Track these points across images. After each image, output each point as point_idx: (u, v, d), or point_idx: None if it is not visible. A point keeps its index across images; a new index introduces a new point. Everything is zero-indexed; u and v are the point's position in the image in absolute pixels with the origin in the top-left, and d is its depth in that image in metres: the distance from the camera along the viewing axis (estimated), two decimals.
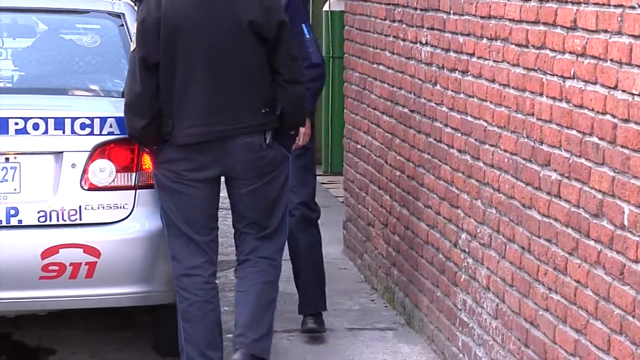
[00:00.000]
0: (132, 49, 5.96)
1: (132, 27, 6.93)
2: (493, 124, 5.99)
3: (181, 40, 5.86)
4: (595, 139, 4.75)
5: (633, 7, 4.37)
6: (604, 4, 4.63)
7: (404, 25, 7.71)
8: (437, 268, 7.01)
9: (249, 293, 6.24)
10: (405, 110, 7.66)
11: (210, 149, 5.93)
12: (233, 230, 6.80)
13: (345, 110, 9.60)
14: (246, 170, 6.06)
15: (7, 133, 6.19)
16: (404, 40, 7.72)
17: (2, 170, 6.23)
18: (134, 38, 5.95)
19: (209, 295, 6.00)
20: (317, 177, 12.20)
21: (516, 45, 5.66)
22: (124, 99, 6.10)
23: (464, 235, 6.50)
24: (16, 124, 6.20)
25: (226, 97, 5.97)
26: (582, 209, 4.91)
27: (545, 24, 5.28)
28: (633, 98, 4.38)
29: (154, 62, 5.81)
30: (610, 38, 4.60)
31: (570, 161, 5.05)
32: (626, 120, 4.43)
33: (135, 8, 7.02)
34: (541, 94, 5.34)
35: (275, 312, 6.55)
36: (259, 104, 6.04)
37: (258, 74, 6.05)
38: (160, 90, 5.84)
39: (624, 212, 4.49)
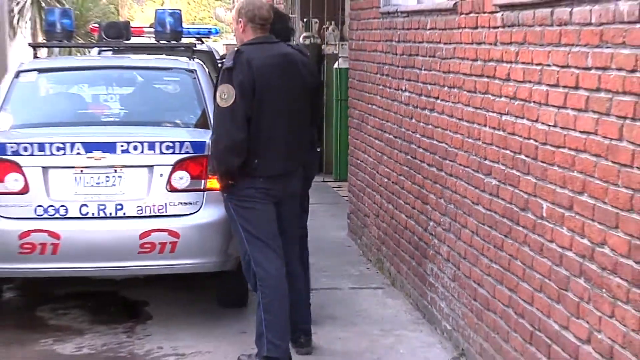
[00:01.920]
0: (225, 104, 5.73)
1: (202, 80, 7.47)
2: (452, 145, 6.32)
3: (269, 98, 5.81)
4: (523, 156, 5.10)
5: (548, 65, 4.72)
6: (528, 63, 4.99)
7: (389, 78, 8.02)
8: (412, 246, 7.31)
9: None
10: (391, 136, 7.99)
11: (281, 179, 5.93)
12: None
13: (349, 136, 9.85)
14: (296, 194, 6.19)
15: (115, 152, 6.58)
16: (389, 88, 8.03)
17: (112, 178, 6.60)
18: (225, 96, 5.73)
19: (285, 291, 5.93)
20: (330, 182, 12.72)
21: (467, 91, 6.01)
22: (215, 144, 5.88)
23: (431, 223, 6.80)
24: (122, 146, 6.60)
25: (295, 141, 6.01)
26: (514, 205, 5.24)
27: (487, 76, 5.64)
28: (549, 128, 4.73)
29: (249, 115, 5.75)
30: (533, 86, 4.94)
31: (505, 171, 5.38)
32: (544, 144, 4.80)
33: (220, 66, 6.63)
34: (485, 125, 5.70)
35: None
36: (307, 143, 6.25)
37: (309, 122, 6.21)
38: (250, 136, 5.77)
39: (542, 207, 4.83)
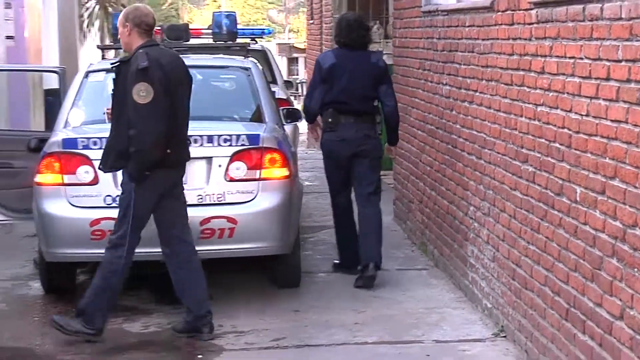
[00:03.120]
0: (144, 101, 5.83)
1: (256, 77, 7.51)
2: (490, 135, 6.31)
3: (179, 94, 6.07)
4: (557, 145, 5.09)
5: (581, 58, 4.71)
6: (561, 57, 4.98)
7: (431, 72, 8.03)
8: (454, 229, 7.33)
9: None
10: (433, 127, 8.00)
11: (180, 168, 6.18)
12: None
13: None
14: (180, 183, 6.28)
15: None
16: (431, 82, 8.04)
17: None
18: (144, 93, 5.83)
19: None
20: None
21: (504, 84, 6.00)
22: (141, 140, 5.86)
23: (472, 208, 6.80)
24: None
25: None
26: (549, 190, 5.24)
27: (523, 70, 5.63)
28: (582, 118, 4.72)
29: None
30: (566, 79, 4.92)
31: (541, 159, 5.36)
32: (577, 132, 4.80)
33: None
34: (521, 115, 5.69)
35: None
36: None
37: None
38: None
39: (576, 191, 4.83)
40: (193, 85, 7.55)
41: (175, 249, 6.25)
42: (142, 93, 5.86)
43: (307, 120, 7.88)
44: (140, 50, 5.98)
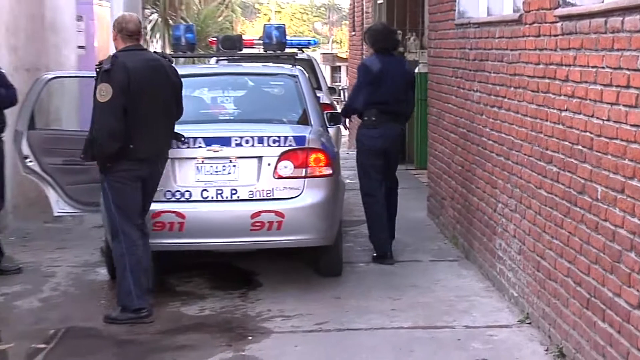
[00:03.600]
0: (103, 100, 5.92)
1: (302, 83, 7.53)
2: (517, 138, 6.28)
3: (142, 94, 6.05)
4: (580, 147, 5.07)
5: (603, 67, 4.65)
6: (584, 66, 4.94)
7: (463, 80, 7.98)
8: (483, 224, 7.29)
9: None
10: (464, 130, 7.95)
11: (149, 161, 6.19)
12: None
13: (428, 131, 9.88)
14: (159, 174, 6.40)
15: (230, 145, 6.64)
16: (463, 89, 7.99)
17: (228, 167, 6.65)
18: (104, 93, 5.91)
19: (141, 254, 6.17)
20: (412, 170, 12.78)
21: (531, 91, 5.97)
22: (98, 133, 5.98)
23: (500, 205, 6.76)
24: (236, 140, 6.66)
25: (164, 129, 6.33)
26: (571, 189, 5.21)
27: (549, 78, 5.60)
28: (603, 122, 4.69)
29: (126, 108, 5.99)
30: (589, 86, 4.89)
31: (564, 160, 5.33)
32: (599, 135, 4.76)
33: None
34: (546, 120, 5.65)
35: None
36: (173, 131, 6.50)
37: (175, 114, 6.47)
38: (127, 125, 6.01)
39: (597, 190, 4.80)
40: (244, 92, 7.78)
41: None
42: (102, 92, 5.98)
43: (344, 115, 8.16)
44: (110, 54, 6.18)
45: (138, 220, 6.23)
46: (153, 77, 6.16)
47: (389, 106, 7.69)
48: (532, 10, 5.97)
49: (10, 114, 7.54)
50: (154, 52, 6.56)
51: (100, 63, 6.15)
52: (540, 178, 5.82)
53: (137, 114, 6.07)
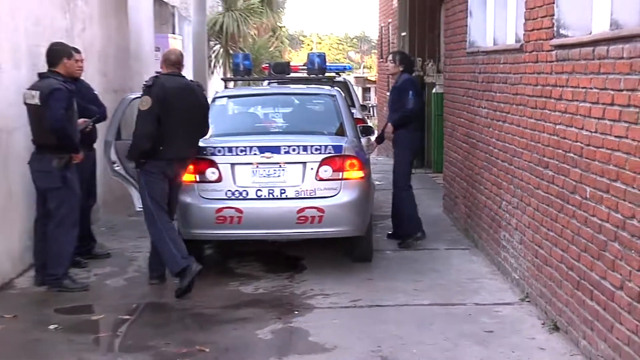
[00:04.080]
0: (143, 109, 6.18)
1: (340, 102, 7.48)
2: (519, 147, 6.23)
3: (173, 108, 6.28)
4: (572, 154, 5.02)
5: (591, 88, 4.64)
6: (575, 87, 4.89)
7: (473, 99, 7.90)
8: (490, 218, 7.22)
9: None
10: (474, 140, 7.88)
11: (175, 163, 6.37)
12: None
13: (444, 141, 9.75)
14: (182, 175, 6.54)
15: (280, 153, 6.62)
16: (472, 106, 7.91)
17: (278, 171, 6.63)
18: (144, 103, 6.17)
19: (163, 232, 6.29)
20: (430, 174, 12.67)
21: (530, 107, 5.91)
22: (135, 134, 6.25)
23: (504, 203, 6.70)
24: (284, 148, 6.65)
25: (189, 138, 6.47)
26: (565, 189, 5.15)
27: (545, 97, 5.54)
28: (591, 134, 4.65)
29: (159, 117, 6.23)
30: (579, 104, 4.85)
31: (558, 165, 5.28)
32: (588, 145, 4.71)
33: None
34: (543, 132, 5.58)
35: None
36: (198, 140, 6.67)
37: (203, 126, 6.67)
38: (159, 131, 6.22)
39: (586, 190, 4.77)
40: (291, 108, 7.78)
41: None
42: (143, 103, 6.24)
43: (405, 122, 7.91)
44: (153, 75, 6.52)
45: (166, 208, 6.37)
46: (184, 97, 6.34)
47: (420, 114, 8.17)
48: (531, 41, 5.91)
49: (100, 127, 7.62)
50: (191, 80, 6.80)
51: (147, 81, 6.39)
52: (538, 180, 5.77)
53: (168, 123, 6.23)
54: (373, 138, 9.10)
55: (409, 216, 7.88)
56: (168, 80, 6.35)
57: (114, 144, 7.46)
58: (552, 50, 5.44)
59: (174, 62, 6.49)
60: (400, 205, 7.92)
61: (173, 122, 6.27)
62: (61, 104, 6.11)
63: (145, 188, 6.34)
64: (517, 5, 6.61)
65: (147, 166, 6.31)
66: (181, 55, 6.70)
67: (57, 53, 6.43)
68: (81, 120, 6.61)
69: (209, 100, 7.76)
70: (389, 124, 7.97)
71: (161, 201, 6.34)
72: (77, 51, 7.17)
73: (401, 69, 7.98)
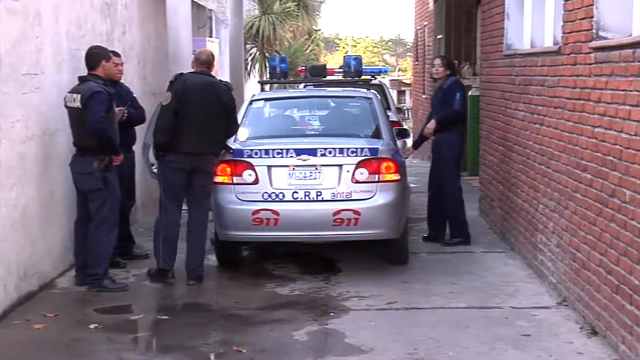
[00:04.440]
0: (165, 103, 6.52)
1: (376, 105, 7.46)
2: (556, 150, 6.20)
3: (191, 103, 6.53)
4: (611, 157, 4.98)
5: (630, 91, 4.55)
6: (615, 89, 4.86)
7: (509, 101, 7.86)
8: (526, 222, 7.15)
9: None
10: (510, 143, 7.83)
11: (191, 156, 6.56)
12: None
13: (480, 144, 9.76)
14: (202, 170, 6.65)
15: (316, 155, 6.63)
16: (509, 108, 7.88)
17: (314, 173, 6.63)
18: (166, 97, 6.52)
19: (173, 228, 6.67)
20: (465, 177, 12.25)
21: (568, 110, 5.87)
22: (155, 127, 6.59)
23: (541, 206, 6.65)
24: (320, 151, 6.65)
25: (206, 133, 6.59)
26: (603, 193, 5.12)
27: (583, 99, 5.51)
28: (631, 137, 4.62)
29: (177, 112, 6.51)
30: (618, 106, 4.82)
31: (597, 168, 5.24)
32: (627, 148, 4.69)
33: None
34: (582, 135, 5.56)
35: None
36: (217, 136, 6.74)
37: (222, 123, 6.71)
38: (177, 125, 6.51)
39: (626, 194, 4.72)
40: (327, 111, 7.84)
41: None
42: (165, 98, 6.57)
43: (457, 122, 8.01)
44: (178, 73, 6.85)
45: (179, 202, 6.64)
46: (203, 93, 6.52)
47: (464, 117, 8.15)
48: (570, 43, 5.87)
49: (139, 130, 7.68)
50: (220, 80, 6.98)
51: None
52: (576, 183, 5.72)
53: (185, 117, 6.44)
54: (409, 141, 9.06)
55: (463, 220, 7.95)
56: (191, 78, 6.58)
57: (152, 146, 7.53)
58: (591, 53, 5.39)
59: (203, 61, 6.69)
60: (449, 208, 7.97)
61: (190, 117, 6.44)
62: (101, 107, 6.20)
63: (161, 180, 6.59)
64: (555, 7, 6.57)
65: (165, 158, 6.52)
66: (212, 55, 6.85)
67: (96, 56, 6.52)
68: (117, 109, 6.68)
69: (246, 103, 7.84)
70: (432, 121, 7.98)
71: (175, 195, 6.56)
72: (117, 55, 7.25)
73: (448, 72, 8.06)
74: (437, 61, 8.19)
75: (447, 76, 8.04)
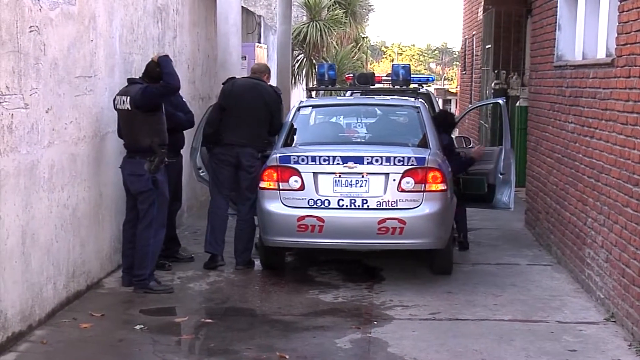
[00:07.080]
0: (217, 102, 7.49)
1: (423, 114, 7.38)
2: (607, 163, 6.14)
3: (236, 102, 7.31)
4: None
5: None
6: None
7: (559, 113, 7.81)
8: (574, 235, 7.09)
9: None
10: (559, 155, 7.78)
11: (233, 148, 7.30)
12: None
13: (527, 155, 9.71)
14: (243, 164, 7.31)
15: (363, 163, 6.61)
16: (559, 120, 7.82)
17: (360, 181, 6.60)
18: (218, 97, 7.40)
19: (221, 217, 7.40)
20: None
21: (620, 123, 5.82)
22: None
23: (589, 220, 6.60)
24: (367, 159, 6.64)
25: (249, 128, 7.28)
26: None
27: (637, 113, 5.40)
28: None
29: (225, 108, 7.34)
30: None
31: None
32: None
33: None
34: (634, 149, 5.47)
35: None
36: (258, 132, 7.41)
37: (264, 121, 7.45)
38: (224, 119, 7.30)
39: None
40: (375, 119, 7.93)
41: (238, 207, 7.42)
42: (218, 98, 7.47)
43: None
44: (230, 77, 7.72)
45: (225, 191, 7.30)
46: (247, 93, 7.26)
47: None
48: (624, 55, 5.77)
49: (187, 134, 7.74)
50: (270, 85, 7.56)
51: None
52: (627, 198, 5.63)
53: (230, 113, 7.20)
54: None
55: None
56: (240, 80, 7.45)
57: (200, 150, 7.58)
58: None
59: (255, 70, 7.67)
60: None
61: (234, 113, 7.19)
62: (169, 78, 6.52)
63: (209, 172, 7.38)
64: (608, 19, 6.49)
65: (213, 150, 7.28)
66: (264, 66, 7.80)
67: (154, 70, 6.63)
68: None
69: (294, 109, 7.86)
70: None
71: (221, 186, 7.28)
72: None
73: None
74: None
75: None
